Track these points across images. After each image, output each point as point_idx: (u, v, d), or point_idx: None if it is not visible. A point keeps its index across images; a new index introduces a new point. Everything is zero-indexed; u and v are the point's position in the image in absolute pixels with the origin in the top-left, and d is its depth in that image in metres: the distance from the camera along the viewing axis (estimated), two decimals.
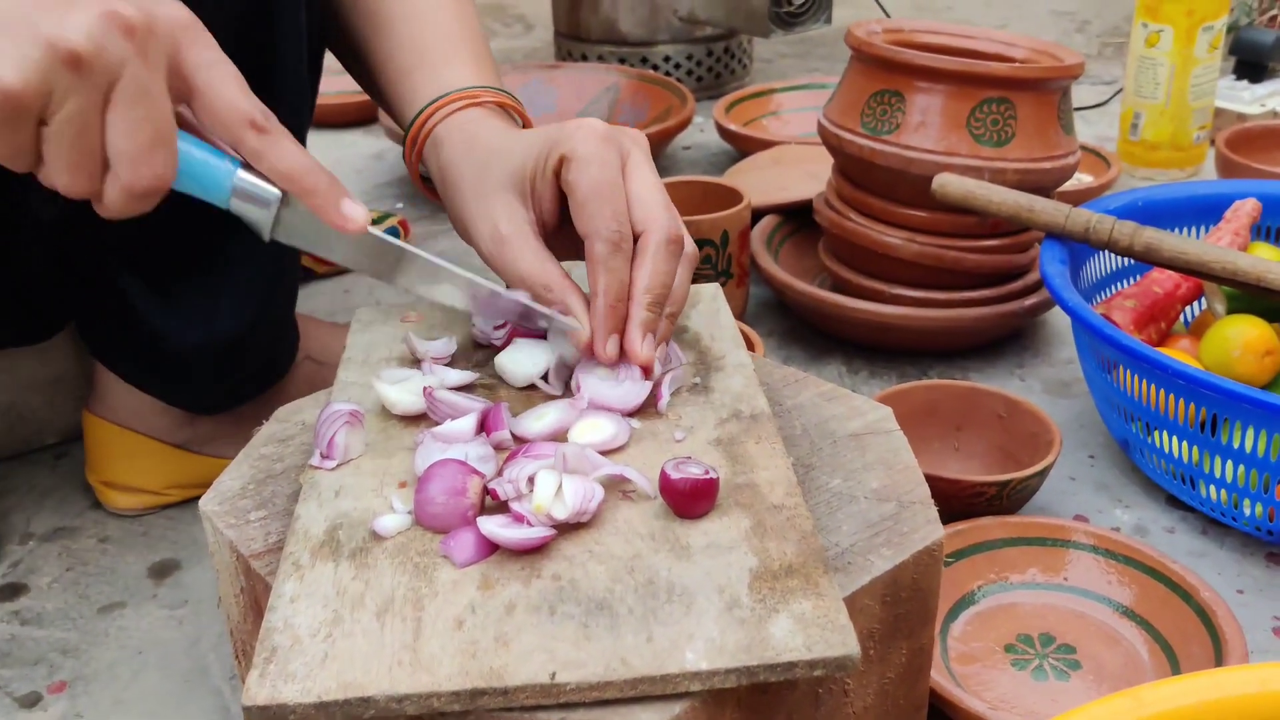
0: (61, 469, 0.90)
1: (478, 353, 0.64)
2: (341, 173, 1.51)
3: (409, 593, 0.46)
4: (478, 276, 0.59)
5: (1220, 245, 0.90)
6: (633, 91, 1.56)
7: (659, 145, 1.43)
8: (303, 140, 0.82)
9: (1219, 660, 0.63)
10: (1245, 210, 0.92)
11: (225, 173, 0.53)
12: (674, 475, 0.49)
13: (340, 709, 0.42)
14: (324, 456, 0.55)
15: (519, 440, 0.55)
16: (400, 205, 1.40)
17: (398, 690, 0.42)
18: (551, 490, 0.49)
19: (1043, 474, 0.76)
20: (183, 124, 0.52)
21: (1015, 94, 0.92)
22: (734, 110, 1.50)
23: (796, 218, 1.14)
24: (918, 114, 0.93)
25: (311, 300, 1.16)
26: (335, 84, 1.73)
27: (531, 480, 0.50)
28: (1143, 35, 1.32)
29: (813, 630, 0.43)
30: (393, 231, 1.25)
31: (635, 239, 0.58)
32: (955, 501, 0.75)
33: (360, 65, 0.79)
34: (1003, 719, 0.59)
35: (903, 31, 1.04)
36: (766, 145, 1.36)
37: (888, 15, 1.87)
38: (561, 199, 0.61)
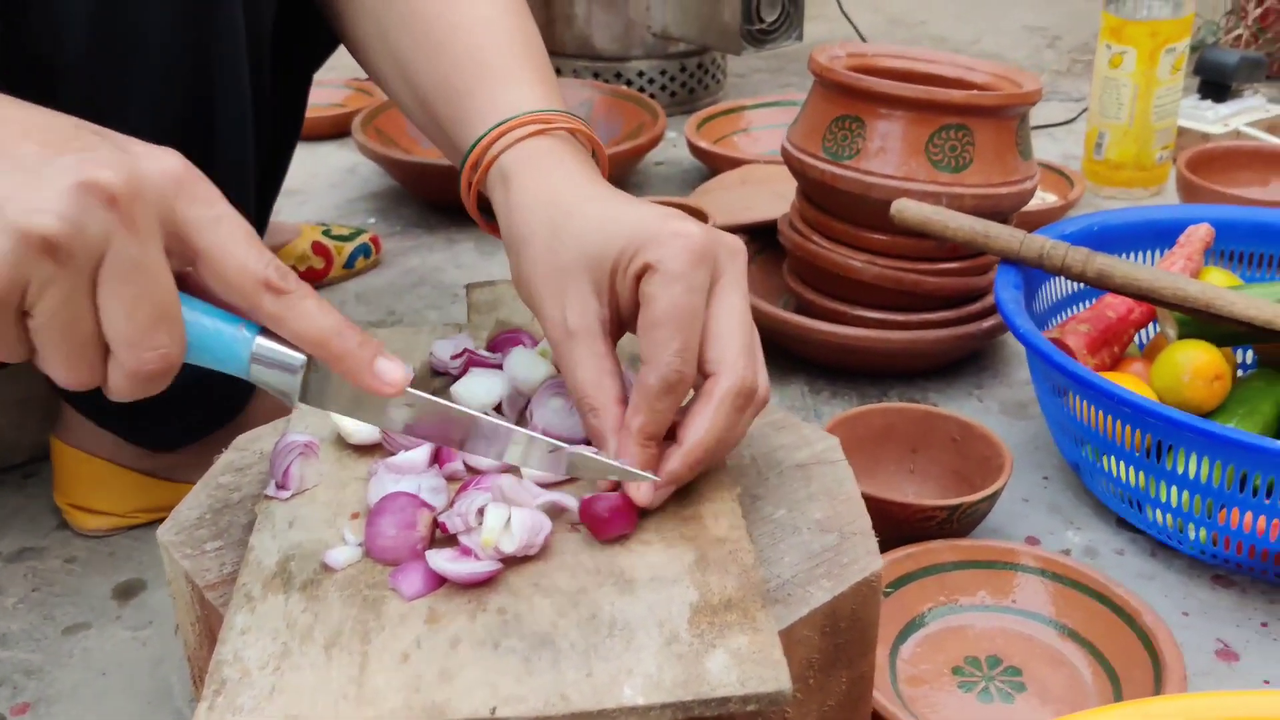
0: (29, 488, 0.91)
1: (435, 380, 0.65)
2: (315, 186, 1.52)
3: (357, 625, 0.47)
4: (538, 434, 0.53)
5: (1172, 271, 0.92)
6: (606, 108, 1.57)
7: (630, 162, 1.45)
8: (260, 218, 0.81)
9: (1158, 684, 0.65)
10: (1198, 235, 0.94)
11: (242, 341, 0.46)
12: (592, 499, 0.51)
13: None
14: (279, 486, 0.56)
15: (471, 471, 0.56)
16: (372, 220, 1.41)
17: None
18: (500, 524, 0.50)
19: (992, 498, 0.78)
20: (186, 287, 0.46)
21: (973, 120, 0.94)
22: (705, 127, 1.52)
23: (762, 237, 1.16)
24: (878, 140, 0.95)
25: None
26: (311, 96, 1.75)
27: (481, 513, 0.51)
28: (1106, 56, 1.34)
29: (747, 666, 0.45)
30: (364, 249, 1.26)
31: (705, 377, 0.53)
32: (906, 525, 0.76)
33: (411, 91, 0.70)
34: None
35: (866, 56, 1.06)
36: (736, 163, 1.38)
37: (860, 34, 1.89)
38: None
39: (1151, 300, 0.85)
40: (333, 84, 1.76)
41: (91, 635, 0.77)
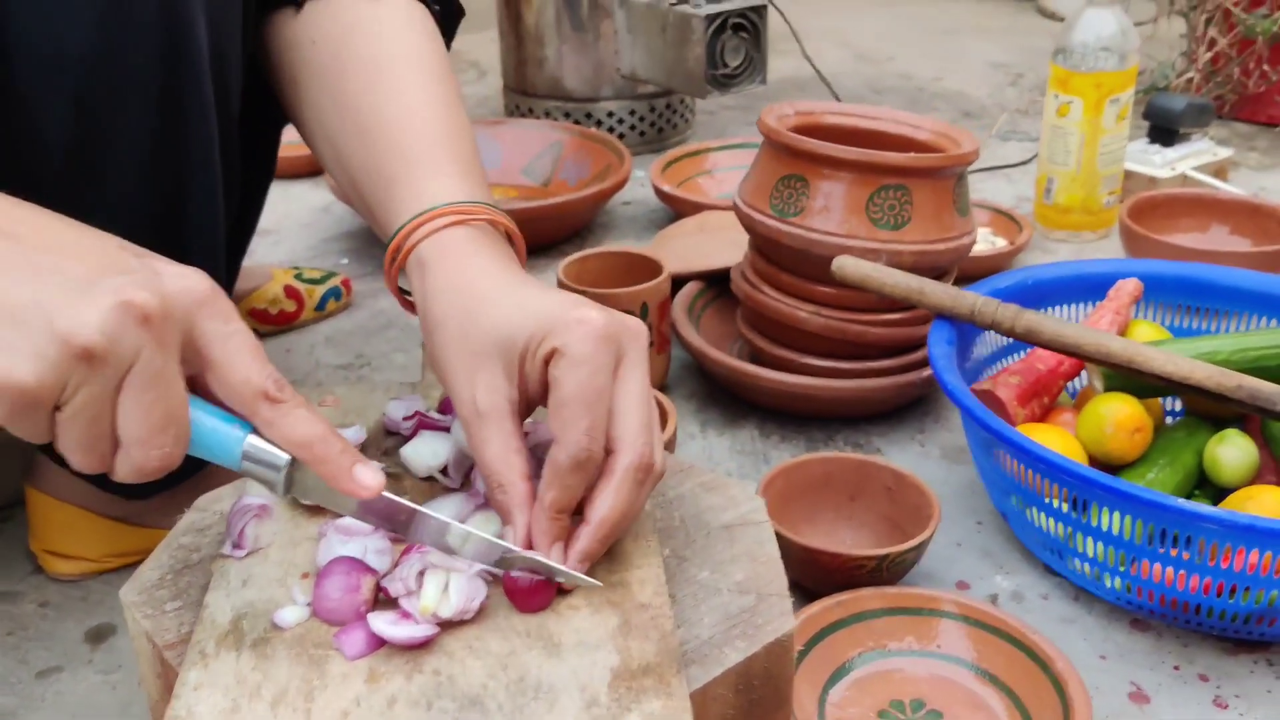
0: (5, 534, 0.94)
1: (387, 440, 0.69)
2: (288, 226, 1.56)
3: (302, 684, 0.51)
4: (486, 534, 0.57)
5: (1100, 325, 0.96)
6: (575, 148, 1.62)
7: (597, 204, 1.49)
8: (230, 269, 0.85)
9: None
10: (1127, 290, 0.99)
11: (235, 440, 0.52)
12: (514, 575, 0.55)
13: None
14: (235, 546, 0.60)
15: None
16: (345, 261, 1.45)
17: None
18: (438, 591, 0.54)
19: (919, 548, 0.82)
20: (193, 387, 0.52)
21: (911, 181, 0.99)
22: (671, 169, 1.56)
23: (717, 284, 1.20)
24: (821, 199, 1.00)
25: None
26: (286, 135, 1.79)
27: (421, 577, 0.55)
28: (1054, 105, 1.39)
29: None
30: (335, 292, 1.30)
31: (608, 453, 0.57)
32: (838, 574, 0.80)
33: (346, 173, 0.75)
34: None
35: (814, 115, 1.11)
36: (698, 207, 1.42)
37: (823, 76, 1.93)
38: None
39: (1077, 355, 0.89)
40: None
41: (64, 679, 0.80)
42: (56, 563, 0.89)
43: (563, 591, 0.56)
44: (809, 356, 1.05)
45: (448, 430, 0.67)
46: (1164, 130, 1.53)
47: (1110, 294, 0.99)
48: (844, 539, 0.89)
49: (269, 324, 1.26)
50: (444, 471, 0.65)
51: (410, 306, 0.68)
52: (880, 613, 0.78)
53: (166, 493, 0.88)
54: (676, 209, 1.48)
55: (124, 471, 0.50)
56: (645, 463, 0.57)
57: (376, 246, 1.48)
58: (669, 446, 0.92)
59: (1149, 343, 0.91)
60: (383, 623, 0.53)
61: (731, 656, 0.54)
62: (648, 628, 0.54)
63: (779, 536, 0.79)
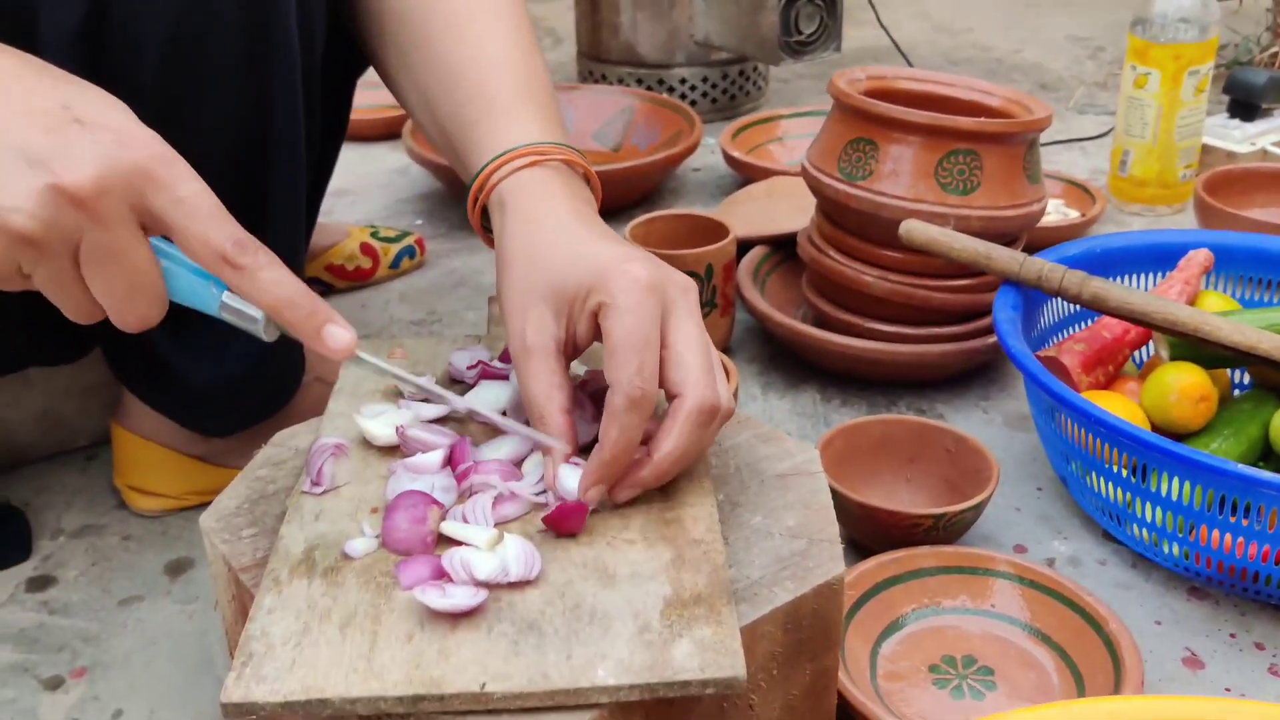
0: (91, 470, 0.99)
1: (453, 387, 0.72)
2: (366, 187, 1.59)
3: (369, 609, 0.54)
4: (455, 397, 0.62)
5: (1169, 295, 0.96)
6: (646, 114, 1.63)
7: (667, 169, 1.50)
8: (300, 257, 0.88)
9: (1117, 687, 0.69)
10: (1197, 260, 0.98)
11: (212, 297, 0.56)
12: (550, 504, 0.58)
13: (302, 708, 0.49)
14: (313, 483, 0.62)
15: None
16: (419, 222, 1.48)
17: (351, 694, 0.49)
18: (497, 563, 0.56)
19: (977, 509, 0.82)
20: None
21: (981, 146, 0.98)
22: (741, 136, 1.57)
23: (784, 249, 1.21)
24: (890, 162, 1.00)
25: None
26: (365, 98, 1.82)
27: (482, 512, 0.58)
28: (1132, 77, 1.37)
29: (708, 654, 0.50)
30: (409, 250, 1.33)
31: (671, 398, 0.59)
32: (894, 531, 0.81)
33: (432, 118, 0.78)
34: None
35: (885, 79, 1.11)
36: (767, 173, 1.43)
37: (898, 46, 1.92)
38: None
39: (1143, 323, 0.89)
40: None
41: (144, 607, 0.84)
42: (139, 499, 0.93)
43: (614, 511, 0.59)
44: (874, 321, 1.06)
45: (507, 379, 0.69)
46: (1244, 105, 1.50)
47: (1180, 264, 0.98)
48: (902, 500, 0.90)
49: (345, 279, 1.29)
50: (504, 415, 0.67)
51: (491, 243, 0.71)
52: (934, 571, 0.79)
53: (246, 432, 0.92)
54: (746, 175, 1.48)
55: (115, 325, 0.54)
56: (709, 405, 0.58)
57: (450, 208, 1.51)
58: None
59: (1217, 313, 0.90)
60: (434, 595, 0.53)
61: (781, 596, 0.56)
62: (700, 561, 0.56)
63: (836, 494, 0.81)
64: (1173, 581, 0.84)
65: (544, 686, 0.49)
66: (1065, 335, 1.00)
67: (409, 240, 1.34)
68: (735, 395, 0.95)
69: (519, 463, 0.63)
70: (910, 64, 1.90)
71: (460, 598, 0.53)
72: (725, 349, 1.14)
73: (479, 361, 0.71)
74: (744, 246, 1.21)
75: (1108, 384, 0.94)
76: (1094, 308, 0.90)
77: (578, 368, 0.72)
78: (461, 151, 0.74)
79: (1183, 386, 0.87)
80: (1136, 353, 0.99)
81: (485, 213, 0.71)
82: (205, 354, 0.85)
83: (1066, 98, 1.87)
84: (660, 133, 1.60)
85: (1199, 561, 0.80)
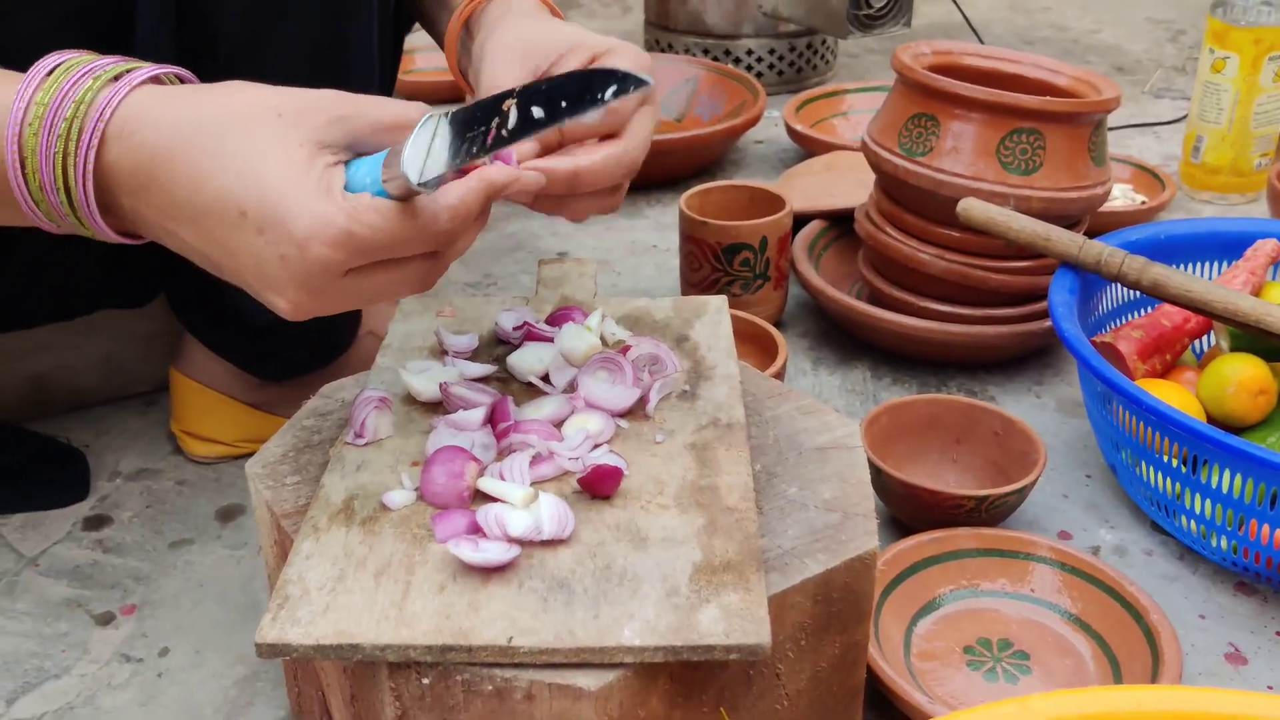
0: (150, 416, 1.01)
1: (498, 348, 0.72)
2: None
3: (404, 559, 0.55)
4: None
5: (1233, 284, 0.94)
6: (711, 84, 1.62)
7: (729, 140, 1.49)
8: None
9: (1155, 678, 0.69)
10: (1264, 251, 0.96)
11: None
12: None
13: (333, 652, 0.50)
14: (356, 435, 0.64)
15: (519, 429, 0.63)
16: None
17: (381, 641, 0.50)
18: (531, 520, 0.56)
19: (1020, 493, 0.81)
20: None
21: (1045, 125, 0.97)
22: (805, 109, 1.55)
23: (841, 224, 1.20)
24: (951, 139, 0.98)
25: None
26: (425, 60, 1.83)
27: (518, 473, 0.59)
28: (1209, 61, 1.34)
29: (734, 620, 0.51)
30: None
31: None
32: (936, 511, 0.81)
33: None
34: (938, 711, 0.66)
35: (951, 54, 1.09)
36: (828, 148, 1.41)
37: (970, 23, 1.88)
38: None
39: (1204, 312, 0.87)
40: None
41: (194, 550, 0.86)
42: (194, 444, 0.95)
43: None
44: (929, 300, 1.05)
45: (551, 341, 0.70)
46: None
47: (1247, 254, 0.96)
48: (947, 480, 0.89)
49: None
50: (546, 378, 0.68)
51: (468, 85, 0.79)
52: (974, 553, 0.78)
53: (300, 381, 0.93)
54: (808, 148, 1.47)
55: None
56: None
57: None
58: (779, 377, 0.93)
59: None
60: (467, 549, 0.54)
61: (812, 567, 0.56)
62: (732, 529, 0.56)
63: (880, 471, 0.80)
64: (1220, 576, 0.83)
65: (570, 643, 0.50)
66: (1123, 322, 0.98)
67: None
68: (784, 370, 0.94)
69: (559, 424, 0.64)
70: (982, 41, 1.86)
71: (493, 553, 0.54)
72: (777, 323, 1.13)
73: (524, 322, 0.72)
74: (801, 220, 1.20)
75: (1164, 373, 0.93)
76: (1153, 294, 0.88)
77: (622, 332, 0.72)
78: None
79: (1241, 379, 0.85)
80: (1196, 342, 0.97)
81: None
82: None
83: (1143, 81, 1.83)
84: (724, 104, 1.59)
85: (1248, 556, 0.79)
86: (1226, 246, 1.00)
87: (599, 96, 0.53)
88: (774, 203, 1.10)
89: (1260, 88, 1.32)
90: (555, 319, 0.73)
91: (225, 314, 0.88)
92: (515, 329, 0.72)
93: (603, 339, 0.71)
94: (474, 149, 0.53)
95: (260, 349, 0.91)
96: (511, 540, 0.55)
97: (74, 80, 0.54)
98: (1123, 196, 1.35)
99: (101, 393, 1.02)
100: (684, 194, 1.11)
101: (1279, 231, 0.98)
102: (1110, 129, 1.60)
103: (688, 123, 1.60)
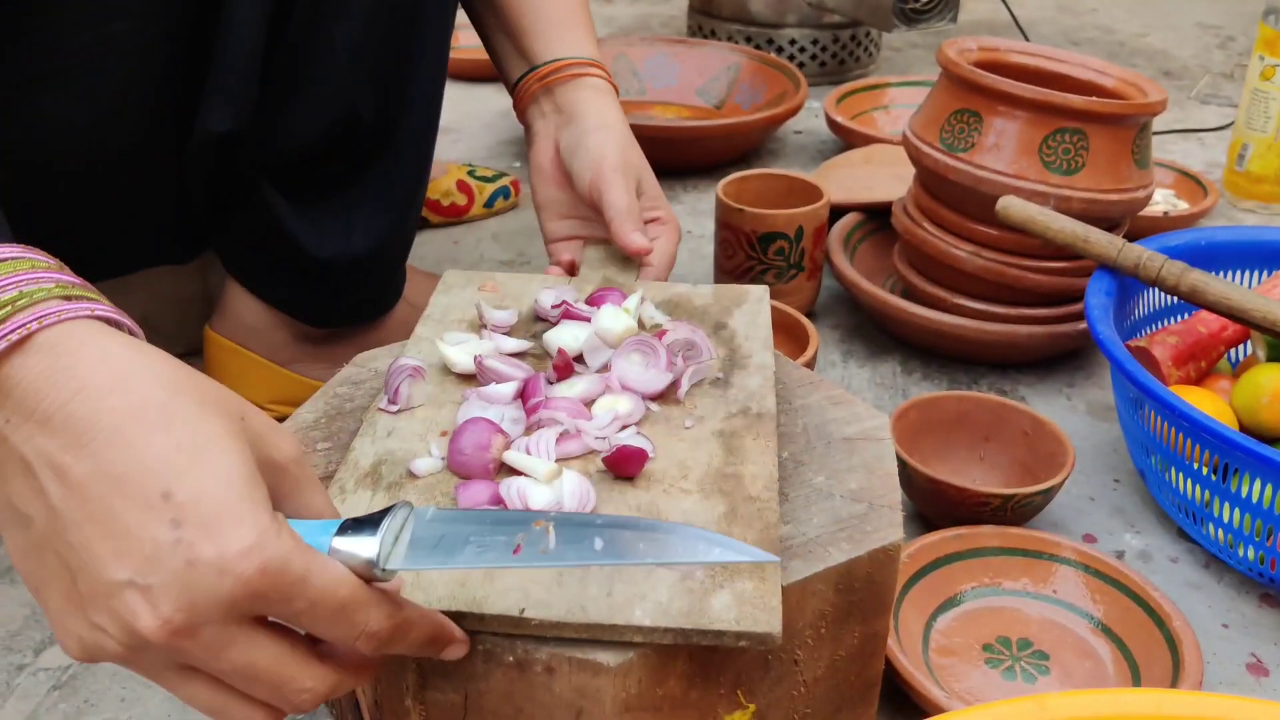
0: None
1: (535, 325, 0.73)
2: (469, 126, 1.61)
3: None
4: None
5: (1273, 293, 0.93)
6: (752, 73, 1.61)
7: (768, 129, 1.49)
8: (428, 153, 0.97)
9: (1174, 685, 0.68)
10: None
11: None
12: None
13: None
14: (390, 401, 0.64)
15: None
16: (517, 165, 1.49)
17: None
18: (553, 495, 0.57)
19: (1047, 493, 0.81)
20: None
21: (1089, 126, 0.96)
22: (846, 101, 1.55)
23: (878, 218, 1.19)
24: (993, 136, 0.98)
25: (421, 248, 1.25)
26: (471, 38, 1.83)
27: (547, 446, 0.59)
28: (1259, 68, 1.32)
29: (746, 608, 0.51)
30: (504, 191, 1.34)
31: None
32: (962, 509, 0.81)
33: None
34: (954, 706, 0.66)
35: (997, 51, 1.08)
36: (868, 140, 1.41)
37: (1017, 20, 1.87)
38: None
39: (1241, 321, 0.86)
40: None
41: None
42: None
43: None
44: (962, 297, 1.04)
45: (588, 321, 0.70)
46: None
47: None
48: (974, 478, 0.88)
49: (440, 215, 1.31)
50: (580, 358, 0.68)
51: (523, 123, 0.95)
52: (998, 551, 0.78)
53: (329, 344, 0.95)
54: (848, 140, 1.47)
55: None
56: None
57: None
58: (809, 368, 0.93)
59: None
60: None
61: (835, 556, 0.56)
62: (753, 518, 0.56)
63: (907, 466, 0.80)
64: (1245, 586, 0.82)
65: (581, 619, 0.50)
66: (1159, 327, 0.98)
67: (505, 181, 1.35)
68: (814, 361, 0.94)
69: (589, 403, 0.64)
70: (1028, 40, 1.85)
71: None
72: (809, 313, 1.13)
73: (563, 301, 0.72)
74: (838, 212, 1.20)
75: (1199, 380, 0.92)
76: (1191, 300, 0.88)
77: (660, 316, 0.72)
78: (519, 48, 0.95)
79: (1276, 389, 0.85)
80: (1232, 351, 0.96)
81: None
82: (333, 228, 0.89)
83: (1189, 86, 1.81)
84: (764, 93, 1.58)
85: (1275, 568, 0.78)
86: (1268, 256, 0.98)
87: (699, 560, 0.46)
88: (811, 193, 1.10)
89: None
90: (594, 300, 0.73)
91: (280, 251, 0.90)
92: (554, 306, 0.72)
93: (640, 322, 0.71)
94: (476, 558, 0.46)
95: (315, 286, 0.93)
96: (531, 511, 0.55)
97: (30, 275, 0.46)
98: (1164, 202, 1.34)
99: None
100: (721, 181, 1.11)
101: None
102: (1154, 134, 1.59)
103: (727, 110, 1.60)
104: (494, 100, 1.70)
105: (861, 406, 0.67)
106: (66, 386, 0.43)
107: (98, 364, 0.44)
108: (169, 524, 0.41)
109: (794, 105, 1.46)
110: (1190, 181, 1.35)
